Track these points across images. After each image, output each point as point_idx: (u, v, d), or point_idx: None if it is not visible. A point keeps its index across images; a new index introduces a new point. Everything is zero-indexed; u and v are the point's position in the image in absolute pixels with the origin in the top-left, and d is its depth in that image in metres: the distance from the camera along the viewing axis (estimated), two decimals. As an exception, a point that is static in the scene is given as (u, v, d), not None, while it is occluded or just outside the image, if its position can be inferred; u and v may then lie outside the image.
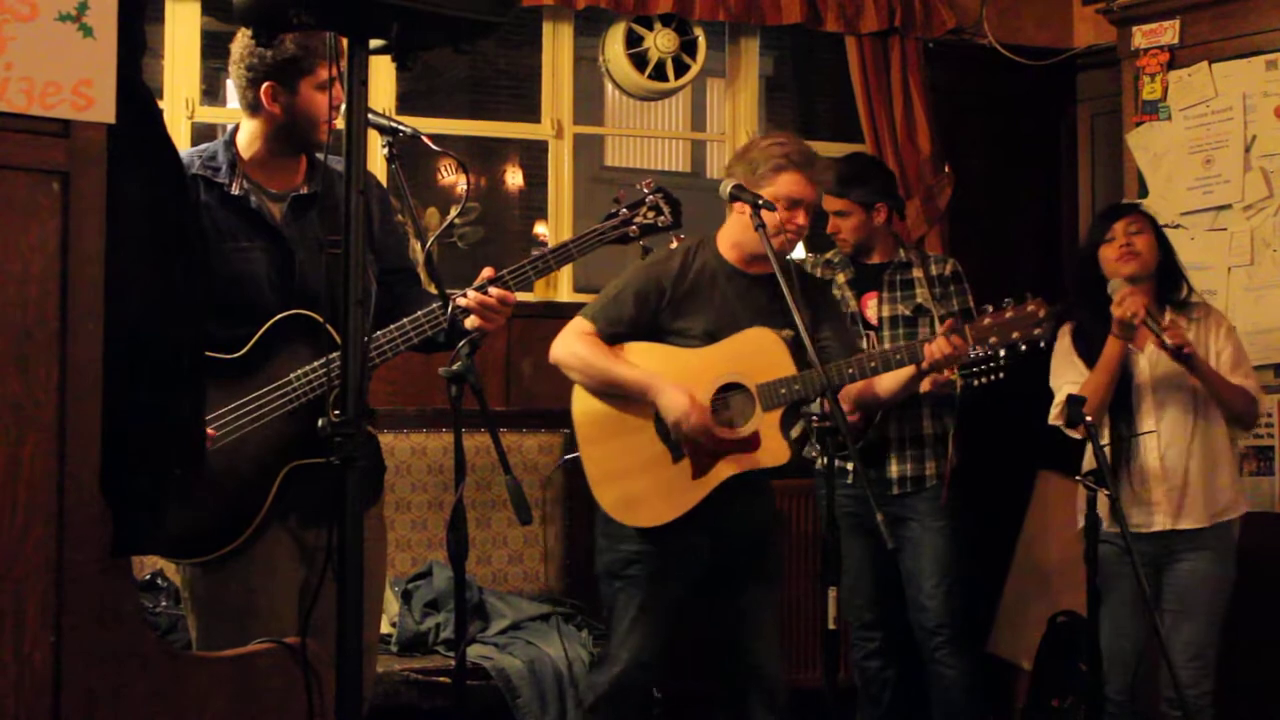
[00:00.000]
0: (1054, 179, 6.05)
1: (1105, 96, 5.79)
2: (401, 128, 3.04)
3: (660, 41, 5.45)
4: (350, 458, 2.14)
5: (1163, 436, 4.09)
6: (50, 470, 2.05)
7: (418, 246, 3.91)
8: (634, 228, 3.37)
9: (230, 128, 3.20)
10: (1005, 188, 5.90)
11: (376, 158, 3.19)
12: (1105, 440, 4.09)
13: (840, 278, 4.65)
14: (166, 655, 2.25)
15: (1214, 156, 5.08)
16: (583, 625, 4.57)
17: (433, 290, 3.12)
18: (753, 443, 3.64)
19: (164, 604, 4.25)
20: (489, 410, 2.97)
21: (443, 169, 8.40)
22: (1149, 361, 4.10)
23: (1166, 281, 4.20)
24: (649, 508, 3.66)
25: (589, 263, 3.99)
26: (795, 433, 4.50)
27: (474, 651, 4.32)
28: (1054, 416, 4.15)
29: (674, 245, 3.80)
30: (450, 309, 3.06)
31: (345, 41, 2.19)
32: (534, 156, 8.68)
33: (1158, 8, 5.22)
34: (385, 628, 4.43)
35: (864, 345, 4.52)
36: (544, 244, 6.36)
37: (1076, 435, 4.01)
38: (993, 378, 4.35)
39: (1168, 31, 5.20)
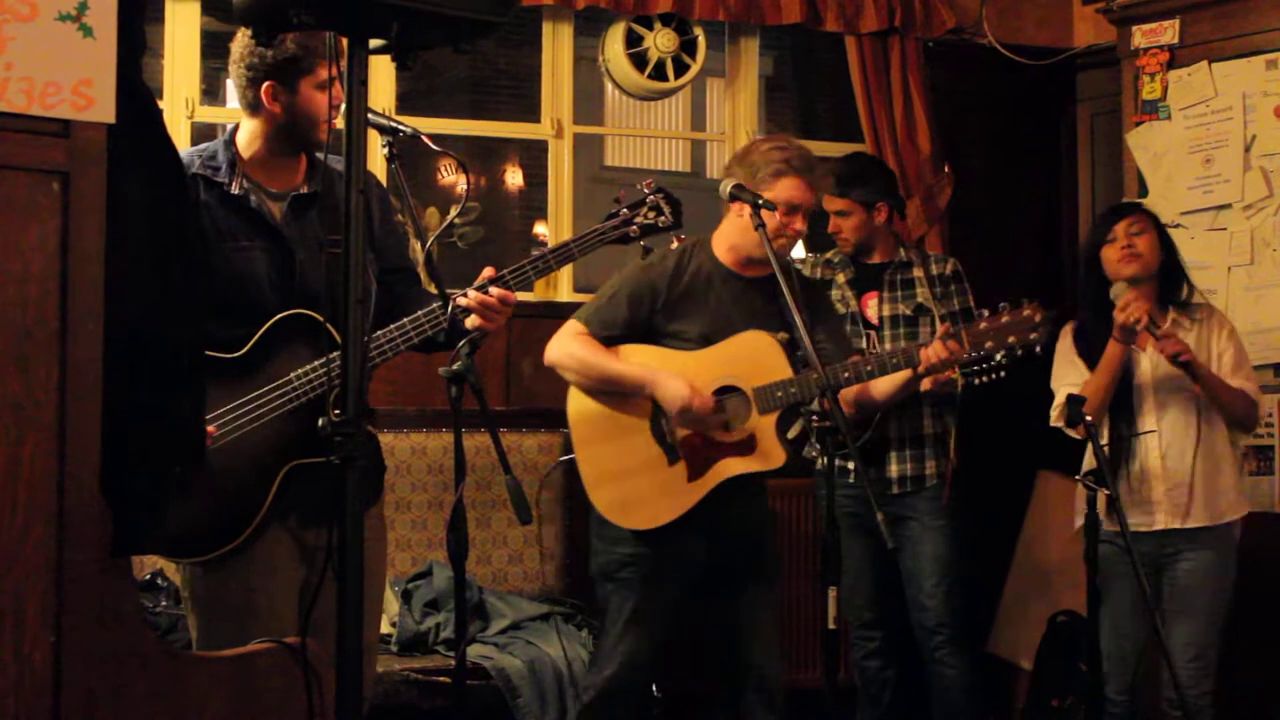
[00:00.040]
0: (1054, 179, 6.05)
1: (1105, 96, 5.79)
2: (401, 127, 3.04)
3: (660, 41, 5.45)
4: (350, 457, 2.14)
5: (1164, 436, 4.09)
6: (50, 470, 2.05)
7: (418, 246, 3.91)
8: (634, 228, 3.37)
9: (230, 127, 3.20)
10: (1005, 187, 5.90)
11: (376, 157, 3.19)
12: (1105, 440, 4.09)
13: (840, 277, 4.65)
14: (166, 655, 2.25)
15: (1214, 156, 5.08)
16: (583, 625, 4.57)
17: (433, 290, 3.12)
18: (749, 445, 3.64)
19: (164, 604, 4.25)
20: (489, 410, 2.97)
21: (443, 169, 8.40)
22: (1151, 361, 4.09)
23: (1169, 282, 4.19)
24: (644, 509, 3.66)
25: (589, 263, 3.99)
26: (794, 432, 4.51)
27: (474, 651, 4.32)
28: (1054, 417, 4.15)
29: (674, 245, 3.80)
30: (450, 309, 3.06)
31: (345, 41, 2.19)
32: (534, 156, 8.67)
33: (1157, 7, 5.22)
34: (385, 627, 4.43)
35: (864, 345, 4.53)
36: (544, 244, 6.36)
37: (1076, 435, 4.01)
38: (994, 377, 4.35)
39: (1168, 31, 5.20)
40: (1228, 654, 4.16)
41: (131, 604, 2.19)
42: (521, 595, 4.80)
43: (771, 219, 3.56)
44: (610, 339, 3.68)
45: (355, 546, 2.14)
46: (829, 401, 3.36)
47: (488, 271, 3.15)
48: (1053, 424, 4.15)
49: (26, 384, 2.04)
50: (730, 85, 5.84)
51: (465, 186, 3.97)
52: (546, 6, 5.34)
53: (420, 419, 4.86)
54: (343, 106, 2.22)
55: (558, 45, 5.48)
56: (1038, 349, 3.76)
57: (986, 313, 3.79)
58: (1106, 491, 3.72)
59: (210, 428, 2.90)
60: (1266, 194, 4.97)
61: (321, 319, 2.95)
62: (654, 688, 4.42)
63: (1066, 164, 6.05)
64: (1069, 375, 4.19)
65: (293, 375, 3.01)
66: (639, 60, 5.47)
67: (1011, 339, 3.73)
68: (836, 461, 4.19)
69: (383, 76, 5.10)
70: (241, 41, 3.07)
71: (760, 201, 3.52)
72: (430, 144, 3.10)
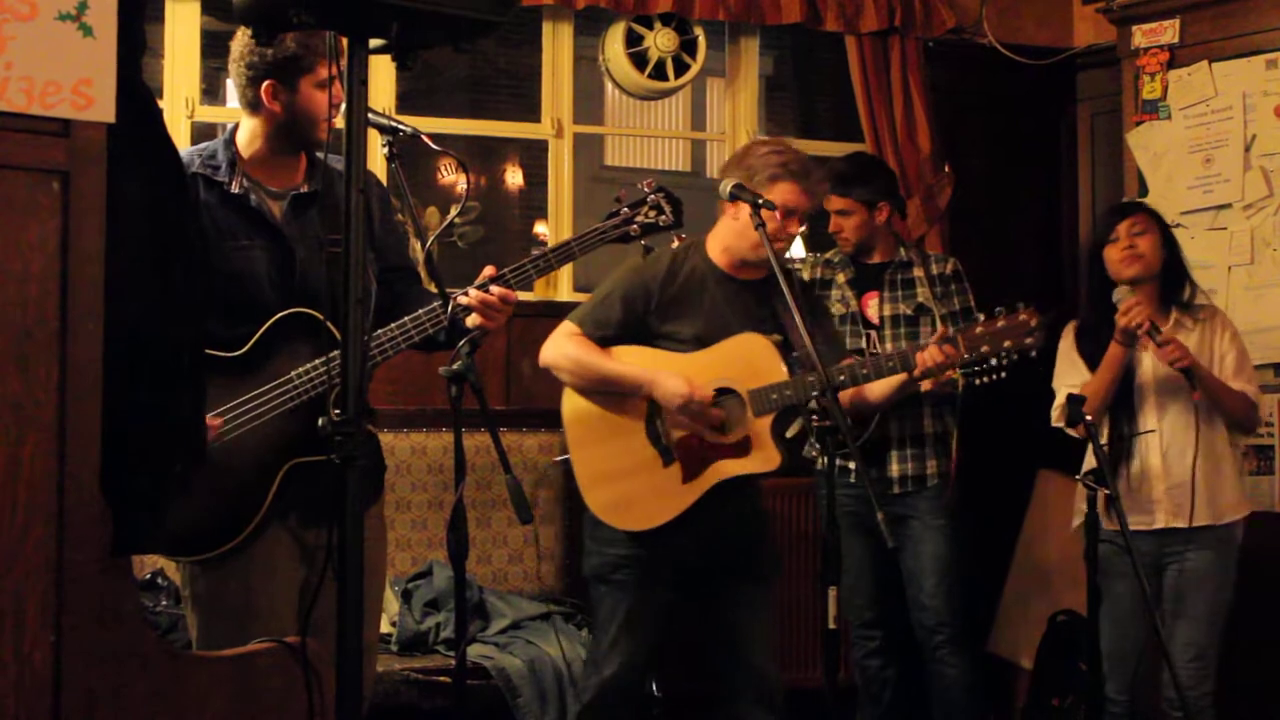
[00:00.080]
0: (1054, 178, 6.05)
1: (1105, 96, 5.79)
2: (401, 127, 3.04)
3: (660, 41, 5.45)
4: (350, 457, 2.14)
5: (1165, 436, 4.08)
6: (50, 470, 2.05)
7: (418, 245, 3.91)
8: (635, 227, 3.37)
9: (230, 126, 3.20)
10: (1005, 187, 5.90)
11: (376, 157, 3.19)
12: (1105, 439, 4.09)
13: (840, 277, 4.65)
14: (166, 655, 2.25)
15: (1214, 156, 5.08)
16: (583, 625, 4.57)
17: (433, 289, 3.12)
18: (744, 447, 3.63)
19: (164, 603, 4.25)
20: (489, 410, 2.97)
21: (443, 168, 8.39)
22: (1152, 361, 4.09)
23: (1171, 282, 4.18)
24: (639, 511, 3.65)
25: (589, 263, 3.99)
26: (793, 431, 4.51)
27: (474, 651, 4.32)
28: (1055, 416, 4.15)
29: (675, 244, 3.80)
30: (451, 307, 3.06)
31: (345, 40, 2.19)
32: (534, 156, 8.67)
33: (1157, 7, 5.22)
34: (385, 627, 4.43)
35: (864, 345, 4.53)
36: (544, 243, 6.36)
37: (1077, 435, 4.00)
38: (994, 377, 4.35)
39: (1168, 31, 5.20)
40: (1228, 654, 4.16)
41: (132, 604, 2.19)
42: (522, 595, 4.80)
43: (770, 220, 3.55)
44: (604, 340, 3.68)
45: (355, 546, 2.14)
46: (828, 401, 3.36)
47: (489, 270, 3.15)
48: (1053, 424, 4.15)
49: (26, 384, 2.04)
50: (730, 85, 5.84)
51: (465, 186, 3.96)
52: (546, 6, 5.33)
53: (420, 418, 4.86)
54: (343, 106, 2.22)
55: (558, 45, 5.48)
56: (1033, 353, 3.76)
57: (983, 317, 3.79)
58: (1106, 491, 3.72)
59: (215, 419, 2.90)
60: (1266, 193, 4.97)
61: (322, 317, 2.95)
62: (654, 687, 4.42)
63: (1066, 164, 6.05)
64: (1070, 375, 4.19)
65: (293, 374, 3.01)
66: (639, 60, 5.47)
67: (1007, 343, 3.72)
68: (837, 461, 4.20)
69: (383, 76, 5.10)
70: (241, 40, 3.07)
71: (761, 201, 3.52)
72: (430, 143, 3.10)
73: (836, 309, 4.62)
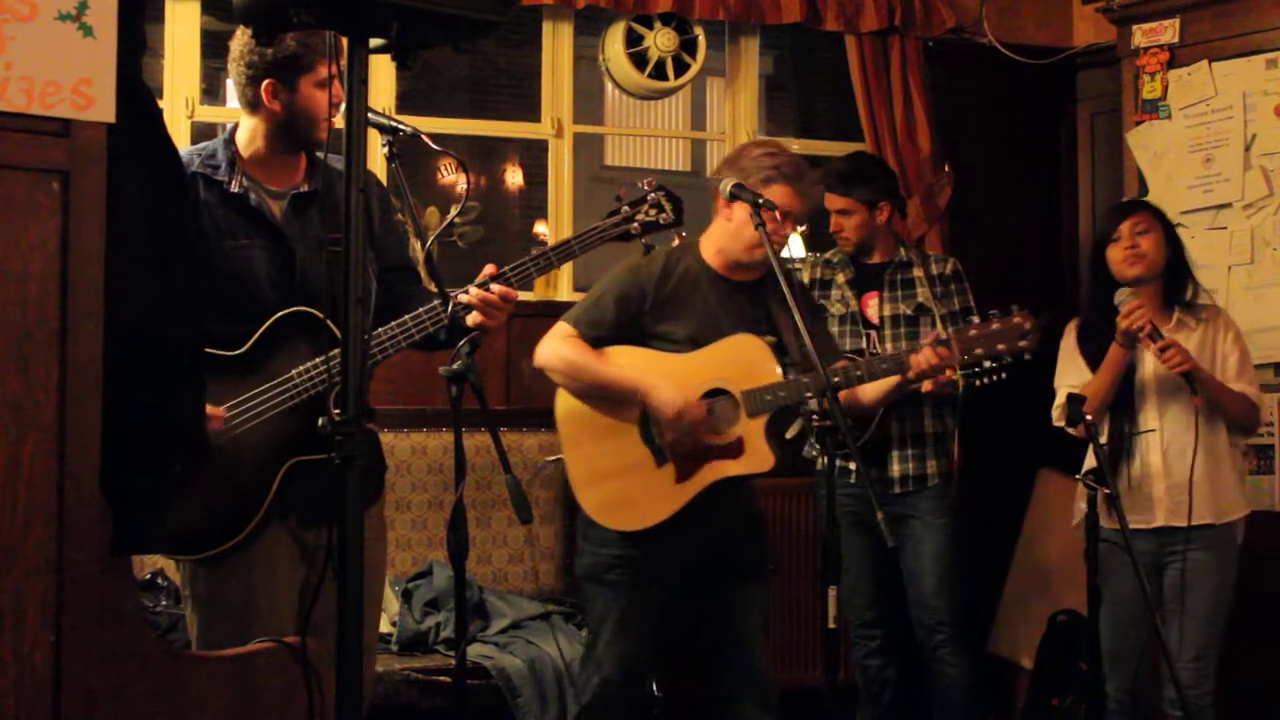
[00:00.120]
0: (1054, 178, 6.05)
1: (1105, 95, 5.79)
2: (401, 127, 3.04)
3: (660, 41, 5.45)
4: (350, 456, 2.14)
5: (1165, 435, 4.08)
6: (50, 470, 2.05)
7: (418, 245, 3.91)
8: (636, 225, 3.37)
9: (230, 126, 3.20)
10: (1005, 187, 5.90)
11: (376, 157, 3.19)
12: (1105, 438, 4.08)
13: (840, 277, 4.65)
14: (166, 655, 2.25)
15: (1214, 155, 5.08)
16: (583, 624, 4.56)
17: (433, 289, 3.12)
18: (738, 448, 3.63)
19: (164, 603, 4.25)
20: (489, 409, 2.97)
21: (443, 168, 8.39)
22: (1154, 360, 4.08)
23: (1174, 281, 4.17)
24: (632, 511, 3.65)
25: (589, 263, 3.99)
26: (793, 432, 4.51)
27: (474, 651, 4.32)
28: (1056, 416, 4.14)
29: (675, 243, 3.80)
30: (451, 306, 3.06)
31: (345, 40, 2.19)
32: (534, 156, 8.67)
33: (1157, 6, 5.22)
34: (385, 627, 4.43)
35: (864, 345, 4.53)
36: (544, 243, 6.36)
37: (1077, 434, 4.00)
38: (994, 378, 4.35)
39: (1168, 30, 5.20)
40: (1228, 654, 4.15)
41: (132, 604, 2.19)
42: (522, 595, 4.80)
43: (769, 220, 3.55)
44: (598, 340, 3.67)
45: (355, 546, 2.14)
46: (829, 401, 3.35)
47: (489, 269, 3.15)
48: (1054, 423, 4.15)
49: (26, 384, 2.04)
50: (730, 85, 5.84)
51: (465, 186, 3.96)
52: (546, 6, 5.34)
53: (420, 418, 4.86)
54: (342, 105, 2.22)
55: (558, 44, 5.48)
56: (1027, 356, 3.77)
57: (977, 319, 3.79)
58: (1106, 490, 3.72)
59: (219, 409, 2.89)
60: (1267, 193, 4.97)
61: (322, 316, 2.95)
62: (654, 687, 4.42)
63: (1067, 163, 6.05)
64: (1070, 375, 4.19)
65: (293, 372, 3.01)
66: (639, 59, 5.47)
67: (1001, 346, 3.72)
68: (837, 461, 4.20)
69: (383, 76, 5.10)
70: (241, 39, 3.07)
71: (761, 201, 3.51)
72: (430, 143, 3.10)
73: (836, 309, 4.62)
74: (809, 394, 3.61)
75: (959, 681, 4.52)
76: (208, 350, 2.70)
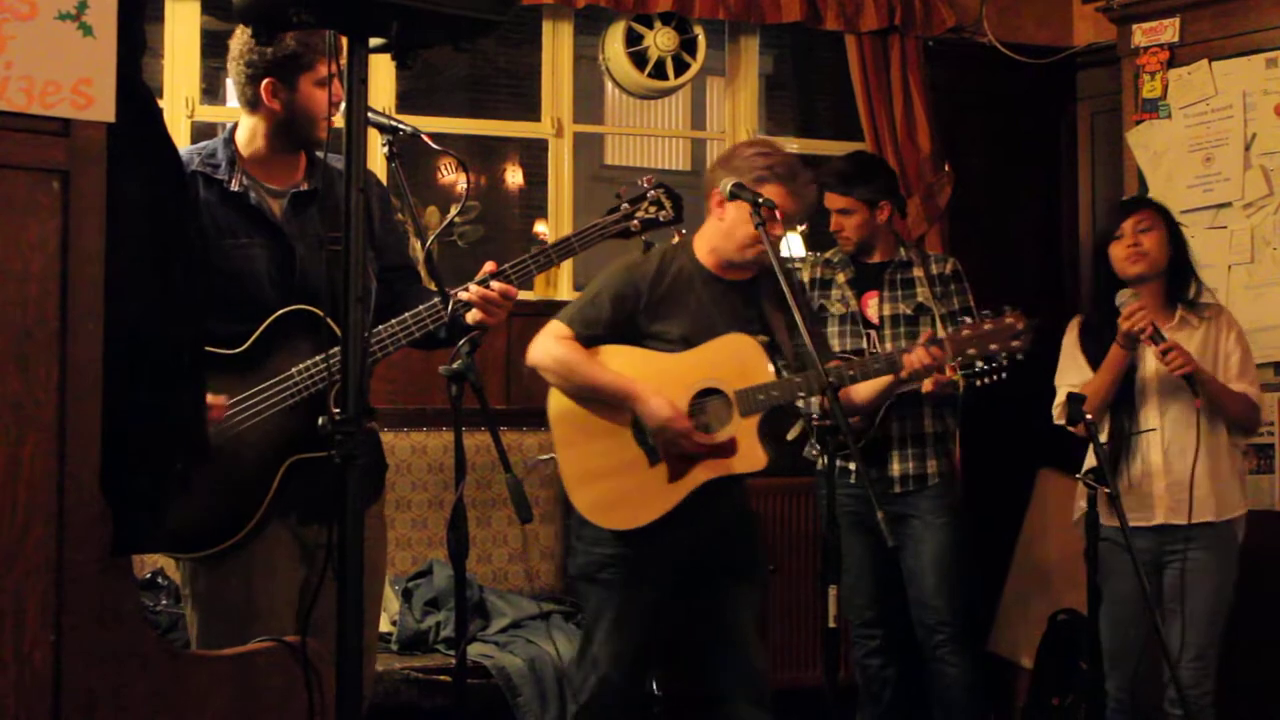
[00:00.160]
0: (1054, 177, 6.05)
1: (1105, 95, 5.79)
2: (401, 126, 3.04)
3: (660, 40, 5.45)
4: (351, 455, 2.14)
5: (1166, 434, 4.08)
6: (50, 470, 2.05)
7: (418, 245, 3.91)
8: (636, 222, 3.36)
9: (230, 125, 3.20)
10: (1005, 186, 5.90)
11: (376, 156, 3.19)
12: (1106, 437, 4.08)
13: (840, 277, 4.64)
14: (166, 654, 2.25)
15: (1214, 154, 5.08)
16: (582, 624, 4.57)
17: (433, 288, 3.12)
18: (730, 448, 3.63)
19: (164, 602, 4.25)
20: (489, 409, 2.97)
21: (443, 167, 8.39)
22: (1155, 357, 4.07)
23: (1177, 279, 4.16)
24: (624, 510, 3.65)
25: (589, 262, 3.99)
26: (794, 433, 4.51)
27: (474, 650, 4.32)
28: (1057, 414, 4.14)
29: (675, 240, 3.79)
30: (451, 304, 3.06)
31: (345, 39, 2.19)
32: (534, 155, 8.66)
33: (1157, 6, 5.22)
34: (385, 626, 4.43)
35: (864, 345, 4.53)
36: (544, 243, 6.36)
37: (1078, 433, 4.00)
38: (995, 378, 4.35)
39: (1168, 29, 5.20)
40: (1228, 654, 4.15)
41: (132, 603, 2.19)
42: (522, 594, 4.80)
43: (752, 225, 3.55)
44: (593, 339, 3.67)
45: (355, 545, 2.14)
46: (829, 401, 3.35)
47: (489, 266, 3.15)
48: (1055, 421, 4.14)
49: (26, 383, 2.04)
50: (730, 84, 5.84)
51: (465, 185, 3.97)
52: (546, 5, 5.34)
53: (420, 418, 4.86)
54: (342, 104, 2.22)
55: (558, 44, 5.48)
56: (1019, 356, 3.77)
57: (969, 320, 3.79)
58: (1107, 490, 3.72)
59: (221, 397, 2.89)
60: (1267, 192, 4.97)
61: (322, 314, 2.95)
62: (654, 687, 4.42)
63: (1067, 163, 6.05)
64: (1071, 373, 4.19)
65: (294, 370, 3.01)
66: (639, 59, 5.47)
67: (994, 346, 3.73)
68: (838, 461, 4.20)
69: (383, 75, 5.10)
70: (241, 38, 3.07)
71: (761, 200, 3.51)
72: (430, 143, 3.10)
73: (836, 308, 4.62)
74: (802, 393, 3.61)
75: (959, 681, 4.52)
76: (208, 349, 2.70)
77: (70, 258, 2.06)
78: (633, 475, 3.64)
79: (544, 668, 4.29)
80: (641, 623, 3.70)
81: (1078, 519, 3.95)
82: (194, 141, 4.29)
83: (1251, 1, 5.05)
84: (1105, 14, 5.46)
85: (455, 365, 2.92)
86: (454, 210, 5.53)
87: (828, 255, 4.74)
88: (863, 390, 3.78)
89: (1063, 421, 4.05)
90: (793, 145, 6.17)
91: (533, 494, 4.79)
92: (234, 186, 3.08)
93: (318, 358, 2.99)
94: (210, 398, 2.76)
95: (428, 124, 4.19)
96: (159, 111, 2.33)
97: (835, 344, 4.53)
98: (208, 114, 5.16)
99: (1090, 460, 4.01)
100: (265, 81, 3.04)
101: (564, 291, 5.41)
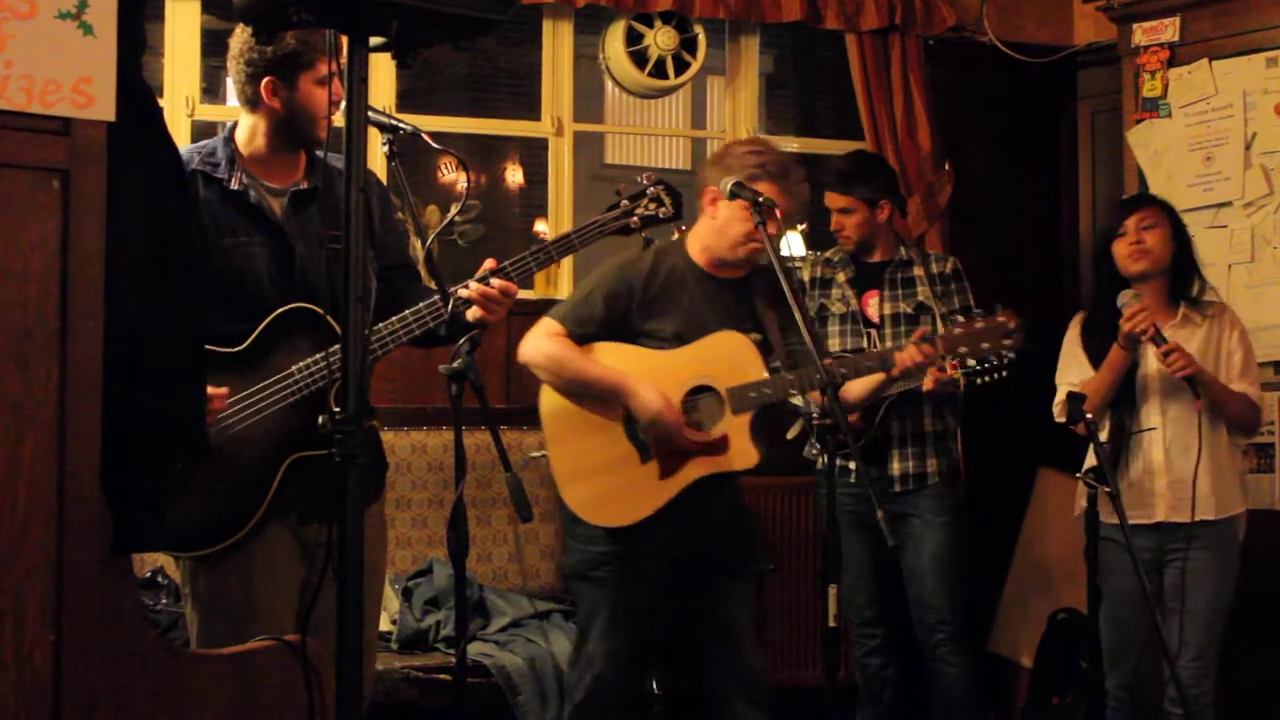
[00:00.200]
0: (1054, 176, 6.05)
1: (1105, 94, 5.79)
2: (401, 125, 3.04)
3: (660, 39, 5.45)
4: (351, 454, 2.14)
5: (1168, 432, 4.07)
6: (50, 469, 2.05)
7: (418, 244, 3.91)
8: (635, 219, 3.36)
9: (229, 124, 3.20)
10: (1005, 185, 5.90)
11: (377, 155, 3.19)
12: (1107, 435, 4.08)
13: (841, 276, 4.64)
14: (167, 654, 2.25)
15: (1214, 154, 5.08)
16: (583, 623, 4.57)
17: (433, 287, 3.12)
18: (722, 445, 3.63)
19: (164, 602, 4.25)
20: (489, 408, 2.97)
21: (443, 166, 8.38)
22: (1157, 358, 4.07)
23: (1180, 277, 4.15)
24: (615, 506, 3.64)
25: (589, 260, 3.98)
26: (794, 432, 4.51)
27: (474, 649, 4.32)
28: (1058, 413, 4.14)
29: (675, 237, 3.80)
30: (451, 302, 3.06)
31: (345, 38, 2.19)
32: (534, 154, 8.65)
33: (1158, 5, 5.21)
34: (385, 625, 4.43)
35: (864, 344, 4.52)
36: (545, 241, 6.36)
37: (1079, 431, 4.00)
38: (995, 376, 4.35)
39: (1168, 29, 5.20)
40: (1228, 654, 4.15)
41: (132, 603, 2.19)
42: (522, 593, 4.80)
43: (749, 221, 3.55)
44: (586, 337, 3.67)
45: (355, 544, 2.14)
46: (829, 400, 3.35)
47: (489, 263, 3.15)
48: (1056, 419, 4.14)
49: (26, 383, 2.04)
50: (730, 83, 5.83)
51: (465, 184, 3.96)
52: (547, 4, 5.34)
53: (420, 417, 4.86)
54: (342, 103, 2.22)
55: (558, 43, 5.48)
56: (1010, 355, 3.77)
57: (961, 318, 3.80)
58: (1107, 489, 3.71)
59: (222, 390, 2.89)
60: (1267, 191, 4.97)
61: (322, 312, 2.94)
62: (654, 686, 4.42)
63: (1067, 162, 6.05)
64: (1072, 372, 4.18)
65: (294, 369, 3.01)
66: (639, 58, 5.47)
67: (985, 345, 3.74)
68: (838, 461, 4.20)
69: (383, 74, 5.10)
70: (241, 37, 3.07)
71: (761, 200, 3.51)
72: (430, 142, 3.10)
73: (837, 308, 4.62)
74: (794, 391, 3.61)
75: (959, 680, 4.52)
76: (208, 347, 2.70)
77: (70, 257, 2.06)
78: (624, 472, 3.63)
79: (544, 667, 4.29)
80: (636, 621, 3.70)
81: (1078, 515, 3.95)
82: (194, 140, 4.29)
83: (1252, 1, 5.05)
84: (1105, 13, 5.45)
85: (455, 364, 2.92)
86: (454, 209, 5.53)
87: (828, 254, 4.74)
88: (855, 388, 3.79)
89: (1063, 419, 4.04)
90: (793, 144, 6.17)
91: (532, 493, 4.78)
92: (233, 185, 3.08)
93: (318, 356, 2.99)
94: (211, 390, 2.76)
95: (428, 123, 4.19)
96: (159, 110, 2.33)
97: (835, 343, 4.54)
98: (208, 113, 5.16)
99: (1091, 459, 4.01)
100: (265, 80, 3.04)
101: (564, 290, 5.41)
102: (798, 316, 3.42)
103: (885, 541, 3.25)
